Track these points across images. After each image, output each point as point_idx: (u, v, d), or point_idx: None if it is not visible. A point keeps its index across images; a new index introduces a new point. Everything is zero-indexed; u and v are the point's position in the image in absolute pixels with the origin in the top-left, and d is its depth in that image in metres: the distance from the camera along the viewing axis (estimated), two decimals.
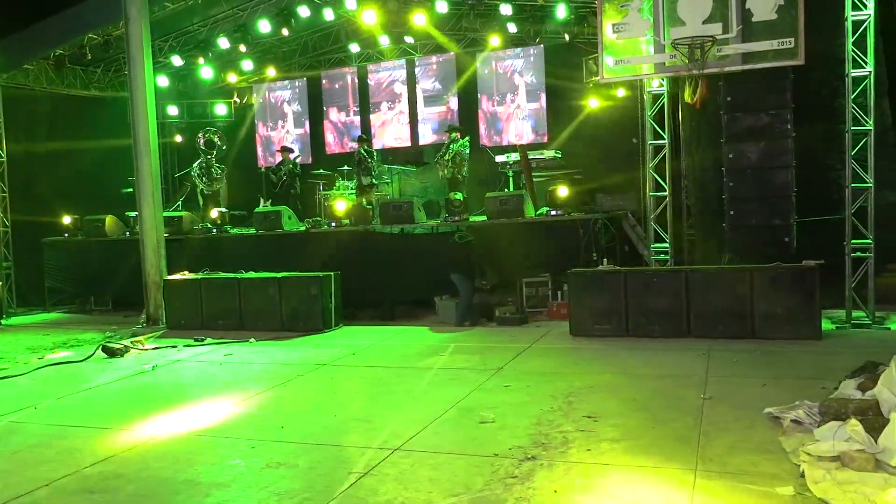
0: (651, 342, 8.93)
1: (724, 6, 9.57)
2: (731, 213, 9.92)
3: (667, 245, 10.65)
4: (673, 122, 10.86)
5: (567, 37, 14.09)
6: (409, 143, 16.79)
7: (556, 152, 13.46)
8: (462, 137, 13.67)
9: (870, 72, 9.26)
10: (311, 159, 17.36)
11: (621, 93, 13.45)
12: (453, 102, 16.39)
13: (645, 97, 10.87)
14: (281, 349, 9.78)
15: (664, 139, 10.66)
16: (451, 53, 16.34)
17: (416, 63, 16.69)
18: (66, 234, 14.75)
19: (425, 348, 9.36)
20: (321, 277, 10.80)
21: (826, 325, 9.08)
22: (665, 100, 10.63)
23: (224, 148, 15.52)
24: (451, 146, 13.49)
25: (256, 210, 13.61)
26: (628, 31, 10.19)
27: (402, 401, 6.93)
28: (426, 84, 16.66)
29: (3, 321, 13.20)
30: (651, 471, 4.86)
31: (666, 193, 10.66)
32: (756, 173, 9.80)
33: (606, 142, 13.63)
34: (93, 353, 9.77)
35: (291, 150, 15.29)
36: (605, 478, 4.76)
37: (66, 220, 14.76)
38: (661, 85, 10.65)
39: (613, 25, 10.23)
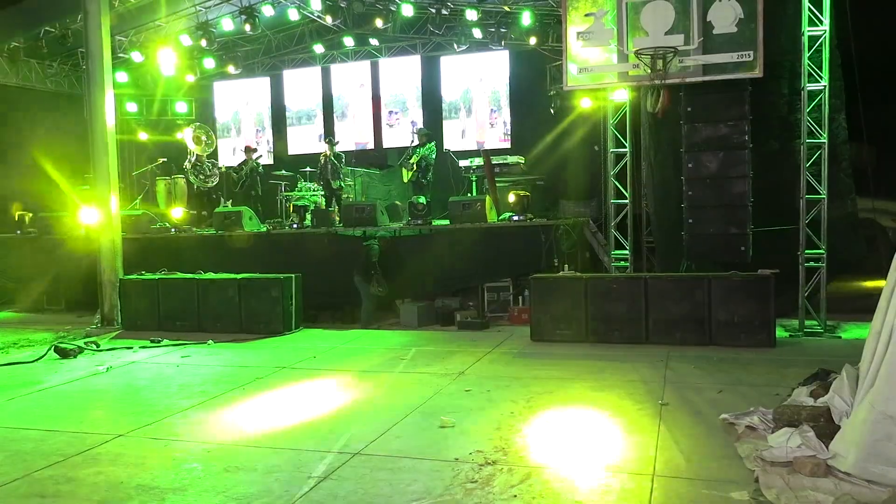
0: (611, 348, 9.03)
1: (685, 18, 9.74)
2: (690, 221, 10.09)
3: (627, 252, 10.79)
4: (634, 131, 11.02)
5: (532, 41, 14.20)
6: (372, 146, 16.74)
7: (519, 158, 13.54)
8: (429, 142, 13.69)
9: (825, 86, 9.52)
10: (272, 160, 17.19)
11: (585, 101, 13.59)
12: (417, 105, 16.39)
13: (608, 106, 11.00)
14: (240, 351, 9.65)
15: (626, 147, 10.81)
16: (416, 56, 16.34)
17: (381, 65, 16.65)
18: (18, 231, 14.36)
19: (386, 352, 9.33)
20: (281, 279, 10.69)
21: (780, 332, 9.29)
22: (627, 109, 10.78)
23: (213, 145, 15.28)
24: (418, 150, 13.50)
25: (217, 210, 13.42)
26: (592, 40, 10.31)
27: (362, 405, 6.89)
28: (390, 86, 16.63)
29: None
30: (609, 475, 4.91)
31: (627, 201, 10.80)
32: (714, 183, 9.99)
33: (569, 149, 13.77)
34: (45, 354, 9.52)
35: (255, 150, 15.11)
36: (563, 483, 4.80)
37: (19, 216, 14.36)
38: (624, 93, 10.80)
39: (578, 33, 10.34)
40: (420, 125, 15.67)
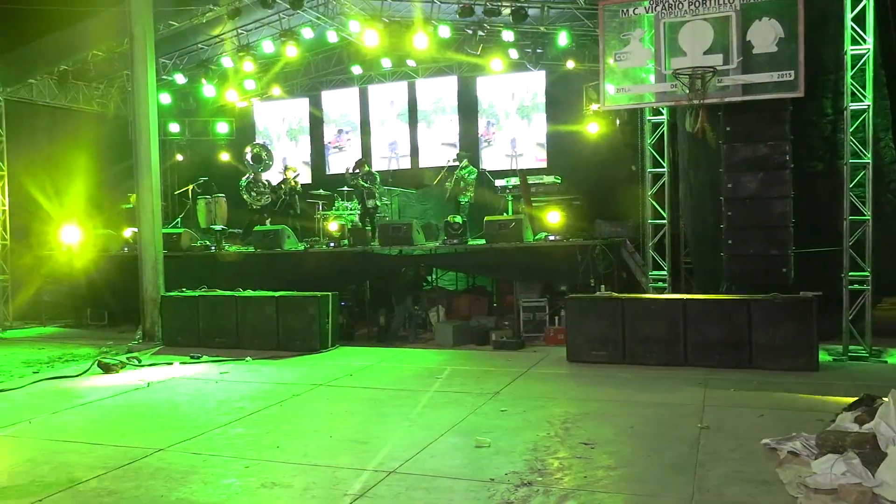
0: (647, 370, 8.92)
1: (724, 38, 9.69)
2: (729, 241, 9.96)
3: (665, 273, 10.68)
4: (672, 151, 10.95)
5: (569, 62, 14.22)
6: (409, 166, 16.88)
7: (555, 178, 13.53)
8: (468, 163, 13.81)
9: (868, 105, 9.36)
10: (310, 179, 17.41)
11: (622, 121, 13.55)
12: (454, 126, 16.49)
13: (645, 125, 10.96)
14: (277, 368, 9.75)
15: (663, 167, 10.73)
16: (453, 77, 16.48)
17: (418, 86, 16.81)
18: (65, 248, 14.72)
19: (422, 370, 9.34)
20: (318, 297, 10.79)
21: (823, 356, 9.08)
22: (665, 128, 10.72)
23: (270, 163, 15.60)
24: (458, 172, 13.61)
25: (256, 228, 13.62)
26: (630, 60, 10.30)
27: (399, 423, 6.90)
28: (427, 107, 16.78)
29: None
30: (647, 500, 4.84)
31: (664, 221, 10.71)
32: (754, 203, 9.86)
33: (606, 168, 13.71)
34: (88, 369, 9.73)
35: (293, 170, 15.34)
36: None
37: (65, 234, 14.74)
38: (661, 113, 10.75)
39: (615, 54, 10.34)
40: (457, 146, 15.76)
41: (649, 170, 10.84)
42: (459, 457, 5.90)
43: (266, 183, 15.18)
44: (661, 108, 10.67)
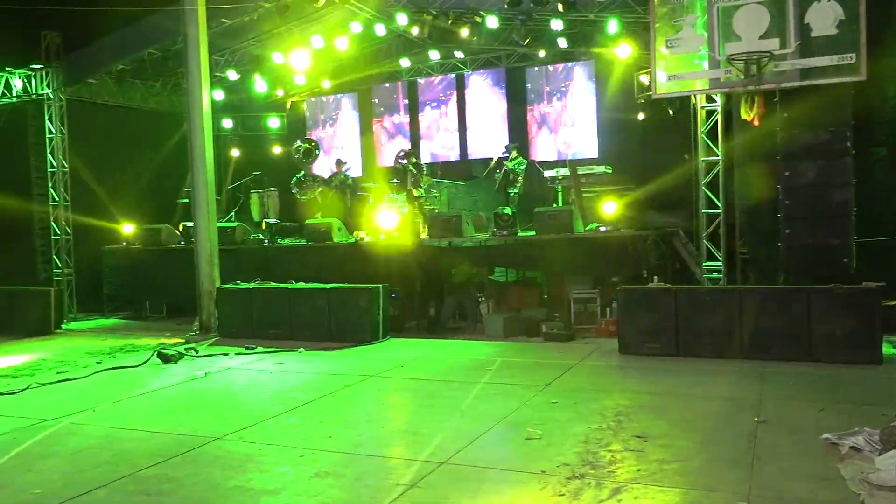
0: (702, 362, 8.76)
1: (781, 21, 9.41)
2: (787, 231, 9.70)
3: (719, 263, 10.46)
4: (726, 138, 10.70)
5: (619, 50, 14.00)
6: (458, 158, 16.87)
7: (606, 167, 13.36)
8: (518, 154, 13.74)
9: None
10: (362, 172, 17.55)
11: (674, 109, 13.30)
12: (503, 117, 16.42)
13: (698, 113, 10.74)
14: (329, 360, 9.88)
15: (717, 155, 10.51)
16: (502, 68, 16.39)
17: (466, 77, 16.78)
18: (125, 243, 15.18)
19: (472, 362, 9.35)
20: (369, 289, 10.90)
21: (887, 349, 8.78)
22: (719, 116, 10.49)
23: (317, 153, 15.85)
24: (507, 163, 13.56)
25: (307, 221, 13.81)
26: (682, 47, 10.09)
27: (449, 414, 6.93)
28: (475, 98, 16.73)
29: (63, 326, 13.62)
30: (702, 495, 4.76)
31: (719, 211, 10.49)
32: (813, 192, 9.58)
33: (658, 158, 13.45)
34: (148, 359, 10.03)
35: (344, 163, 15.49)
36: (654, 500, 4.69)
37: (125, 228, 15.20)
38: (715, 100, 10.51)
39: (667, 40, 10.15)
40: (506, 137, 15.68)
41: (703, 158, 10.63)
42: (510, 448, 5.91)
43: (316, 177, 15.38)
44: (714, 96, 10.43)
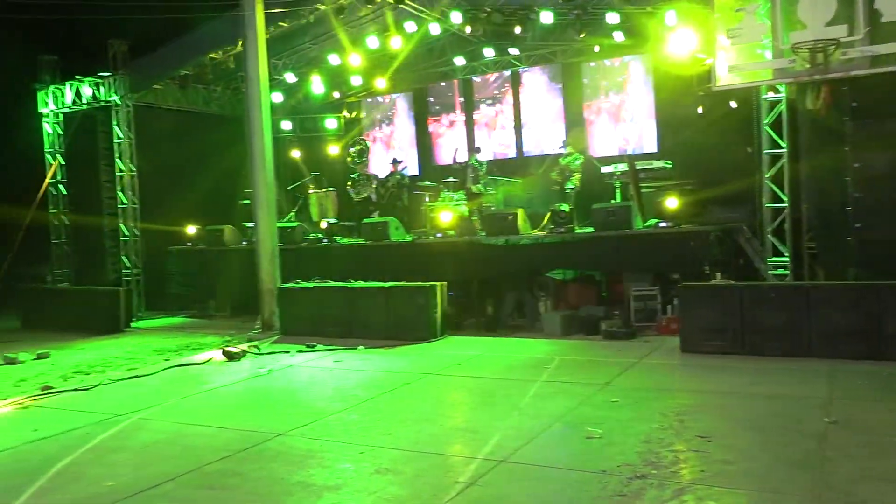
0: (767, 361, 8.51)
1: (849, 7, 9.07)
2: (858, 225, 9.35)
3: (786, 259, 10.15)
4: (791, 130, 10.37)
5: (677, 44, 13.69)
6: (514, 155, 16.81)
7: (665, 162, 13.11)
8: (575, 151, 13.61)
9: None
10: (419, 171, 17.65)
11: (736, 101, 12.96)
12: (559, 113, 16.28)
13: (761, 104, 10.44)
14: (388, 357, 9.97)
15: (782, 147, 10.20)
16: (557, 64, 16.24)
17: (521, 74, 16.69)
18: (189, 243, 15.63)
19: (530, 360, 9.31)
20: (427, 288, 10.95)
21: None
22: (783, 107, 10.18)
23: (366, 149, 16.16)
24: (564, 159, 13.45)
25: (365, 221, 13.96)
26: (744, 36, 9.83)
27: (507, 413, 6.91)
28: (531, 95, 16.63)
29: (132, 324, 14.09)
30: (769, 497, 4.64)
31: (784, 205, 10.19)
32: (885, 183, 9.21)
33: (719, 151, 13.14)
34: (213, 357, 10.29)
35: (400, 162, 15.61)
36: (719, 501, 4.59)
37: (189, 229, 15.64)
38: (779, 91, 10.21)
39: (728, 31, 9.89)
40: (563, 134, 15.54)
41: (766, 151, 10.34)
42: (570, 447, 5.86)
43: (371, 176, 15.53)
44: (778, 86, 10.13)
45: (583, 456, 5.58)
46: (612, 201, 12.67)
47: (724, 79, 10.10)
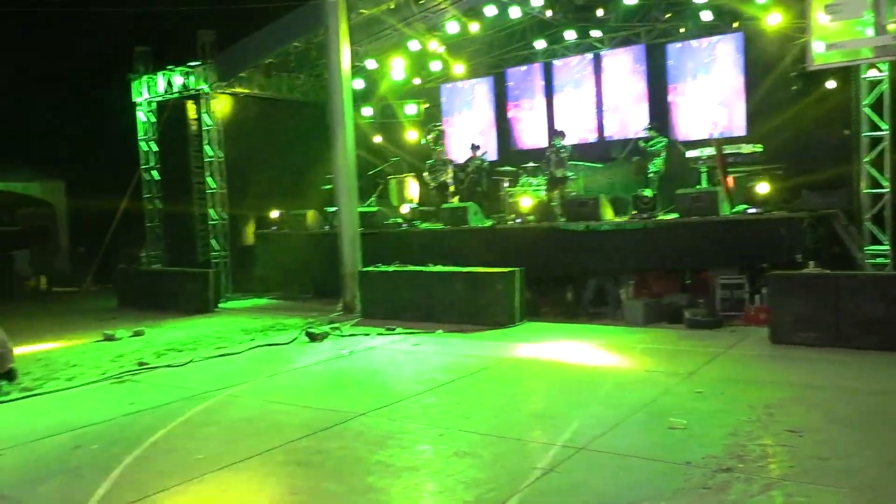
0: (864, 354, 8.09)
1: None
2: None
3: (885, 247, 9.61)
4: (893, 111, 9.77)
5: (769, 22, 13.11)
6: (595, 139, 16.51)
7: (755, 146, 12.60)
8: (658, 134, 13.26)
9: None
10: (498, 156, 17.56)
11: (832, 81, 12.34)
12: (643, 96, 15.87)
13: (860, 84, 9.88)
14: (467, 342, 10.00)
15: (883, 130, 9.64)
16: (641, 45, 15.82)
17: (603, 56, 16.34)
18: (274, 227, 16.06)
19: (611, 347, 9.15)
20: (506, 273, 10.91)
21: None
22: (885, 86, 9.60)
23: (440, 132, 16.30)
24: (647, 143, 13.12)
25: (444, 206, 14.00)
26: (842, 13, 9.30)
27: (587, 400, 6.83)
28: (613, 78, 16.27)
29: (220, 305, 14.61)
30: (866, 494, 4.42)
31: (885, 190, 9.64)
32: None
33: (813, 134, 12.55)
34: (297, 337, 10.58)
35: (479, 148, 15.57)
36: (810, 499, 4.41)
37: (274, 214, 16.07)
38: (881, 70, 9.64)
39: (825, 7, 9.39)
40: (647, 118, 15.15)
41: (866, 133, 9.79)
42: (651, 437, 5.74)
43: (448, 161, 15.56)
44: (880, 65, 9.56)
45: (665, 446, 5.45)
46: (698, 186, 12.29)
47: (821, 57, 9.59)
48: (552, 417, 6.36)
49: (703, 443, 5.43)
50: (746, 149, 12.59)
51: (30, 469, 5.72)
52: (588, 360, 8.57)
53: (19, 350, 10.65)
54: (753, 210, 10.90)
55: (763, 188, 10.99)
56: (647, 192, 11.86)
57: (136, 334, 11.65)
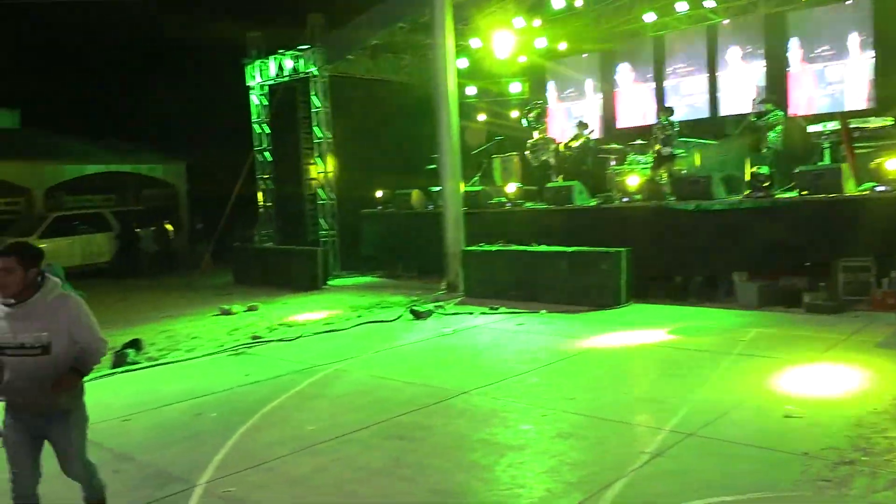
0: None
1: None
2: None
3: None
4: None
5: None
6: (707, 114, 15.83)
7: (885, 119, 11.72)
8: (775, 108, 12.55)
9: None
10: (603, 133, 17.16)
11: None
12: (759, 69, 15.06)
13: None
14: (571, 322, 9.87)
15: None
16: (760, 14, 14.99)
17: (718, 28, 15.58)
18: (379, 207, 16.37)
19: (722, 331, 8.80)
20: (612, 253, 10.69)
21: None
22: None
23: (544, 108, 16.09)
24: (763, 118, 12.45)
25: (548, 185, 13.83)
26: None
27: (697, 385, 6.61)
28: (728, 50, 15.51)
29: (328, 282, 15.06)
30: None
31: None
32: None
33: None
34: (401, 315, 10.77)
35: (586, 126, 15.25)
36: None
37: (379, 193, 16.36)
38: None
39: None
40: (763, 92, 14.38)
41: None
42: (766, 425, 5.48)
43: (548, 140, 15.32)
44: None
45: (781, 435, 5.21)
46: (820, 163, 11.57)
47: None
48: (659, 401, 6.20)
49: (824, 433, 5.15)
50: (875, 122, 11.74)
51: (156, 433, 6.12)
52: (697, 343, 8.27)
53: (146, 322, 11.42)
54: (882, 188, 10.17)
55: (893, 164, 10.23)
56: (764, 170, 11.27)
57: (251, 309, 12.20)
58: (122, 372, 8.31)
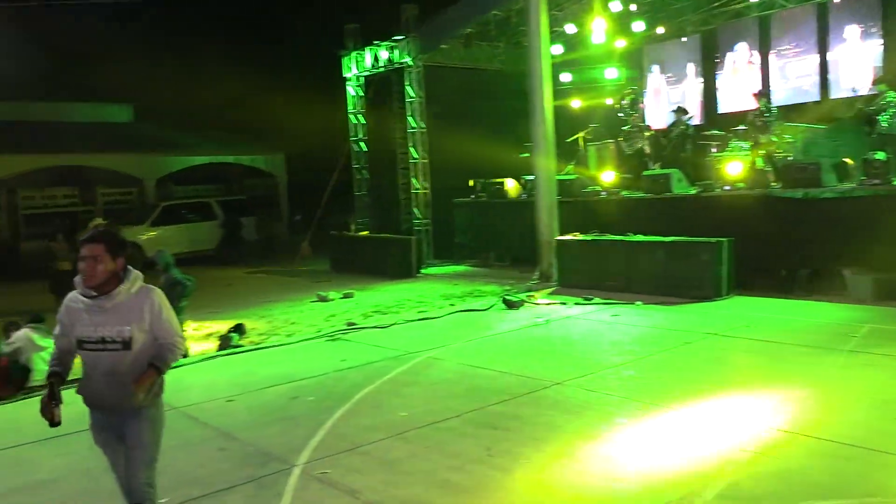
0: None
1: None
2: None
3: None
4: None
5: None
6: (817, 98, 14.99)
7: None
8: (888, 89, 11.74)
9: None
10: (703, 119, 16.55)
11: None
12: (875, 48, 14.11)
13: None
14: (667, 314, 9.59)
15: None
16: None
17: (831, 5, 14.70)
18: (473, 196, 16.38)
19: (831, 327, 8.33)
20: (713, 243, 10.30)
21: None
22: None
23: (640, 98, 15.85)
24: (879, 99, 11.66)
25: (645, 173, 13.47)
26: None
27: (803, 383, 6.28)
28: (839, 29, 14.60)
29: (422, 270, 15.21)
30: None
31: None
32: None
33: None
34: (494, 304, 10.76)
35: (685, 112, 14.74)
36: None
37: (472, 182, 16.36)
38: None
39: None
40: (880, 71, 13.48)
41: None
42: (881, 427, 5.16)
43: (643, 127, 14.89)
44: None
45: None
46: None
47: None
48: (763, 399, 5.93)
49: None
50: None
51: (256, 414, 6.35)
52: (804, 339, 7.85)
53: (248, 307, 11.89)
54: None
55: None
56: (880, 156, 10.58)
57: (346, 296, 12.49)
58: (227, 355, 8.67)
